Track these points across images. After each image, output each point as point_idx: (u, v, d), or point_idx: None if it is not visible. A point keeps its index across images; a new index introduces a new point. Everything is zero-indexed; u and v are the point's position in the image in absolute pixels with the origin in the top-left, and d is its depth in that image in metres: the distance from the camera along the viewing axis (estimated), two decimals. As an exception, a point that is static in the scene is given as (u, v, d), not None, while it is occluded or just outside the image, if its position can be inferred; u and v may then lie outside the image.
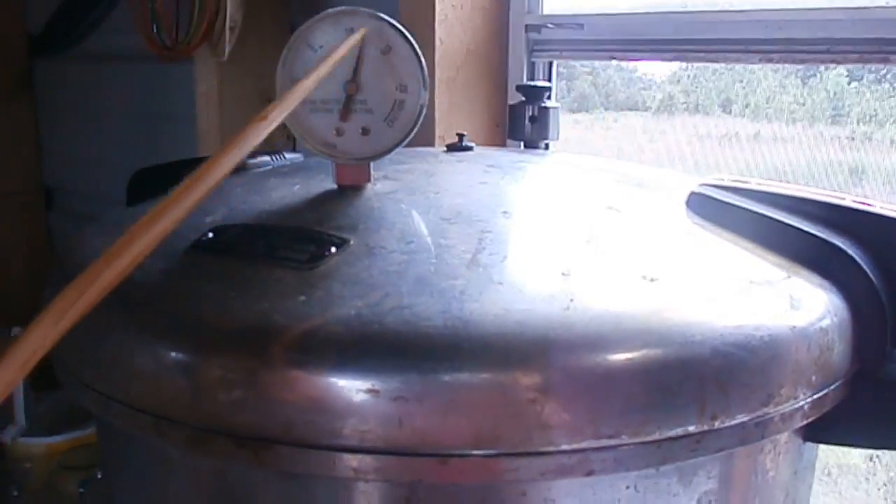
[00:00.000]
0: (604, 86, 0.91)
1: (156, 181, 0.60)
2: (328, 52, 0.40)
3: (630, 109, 0.89)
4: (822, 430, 0.40)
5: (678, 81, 0.87)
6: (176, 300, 0.36)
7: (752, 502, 0.39)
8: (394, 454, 0.31)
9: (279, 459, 0.33)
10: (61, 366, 0.40)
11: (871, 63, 0.68)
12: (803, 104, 0.78)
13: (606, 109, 0.90)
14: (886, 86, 0.74)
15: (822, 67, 0.77)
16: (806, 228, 0.42)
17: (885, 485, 0.77)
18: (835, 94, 0.76)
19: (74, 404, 0.39)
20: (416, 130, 0.42)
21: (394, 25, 0.41)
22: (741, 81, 0.82)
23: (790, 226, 0.42)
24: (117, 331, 0.36)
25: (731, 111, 0.82)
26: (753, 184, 0.47)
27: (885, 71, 0.73)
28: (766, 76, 0.81)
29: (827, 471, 0.79)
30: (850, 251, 0.41)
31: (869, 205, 0.44)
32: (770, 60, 0.74)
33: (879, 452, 0.77)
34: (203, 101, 1.02)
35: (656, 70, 0.89)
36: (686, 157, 0.84)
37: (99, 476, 0.96)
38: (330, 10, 0.40)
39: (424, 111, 0.42)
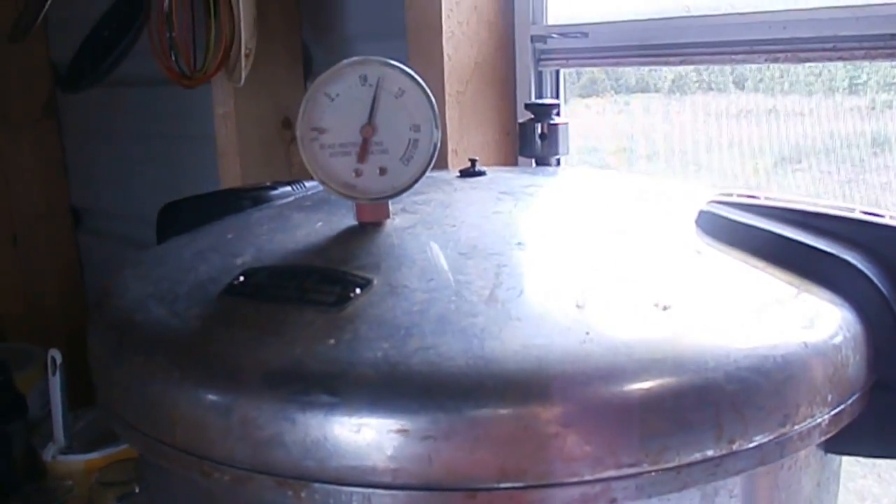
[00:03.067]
0: (613, 69, 0.90)
1: (183, 214, 0.63)
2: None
3: (641, 91, 0.87)
4: (843, 442, 0.41)
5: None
6: (214, 347, 0.38)
7: (774, 515, 0.41)
8: (425, 489, 0.33)
9: (318, 497, 0.35)
10: (108, 409, 0.43)
11: (877, 59, 0.68)
12: (819, 75, 0.75)
13: (617, 93, 0.89)
14: (905, 50, 0.71)
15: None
16: (815, 244, 0.43)
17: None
18: (851, 63, 0.74)
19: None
20: (431, 166, 0.44)
21: (405, 71, 0.42)
22: (755, 56, 0.78)
23: (799, 242, 0.43)
24: (160, 379, 0.38)
25: (744, 87, 0.80)
26: (762, 199, 0.48)
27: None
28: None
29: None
30: (860, 265, 0.42)
31: (878, 216, 0.45)
32: (776, 60, 0.74)
33: None
34: (221, 122, 1.05)
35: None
36: (700, 137, 0.82)
37: (136, 491, 0.99)
38: (345, 62, 0.42)
39: (438, 148, 0.43)
